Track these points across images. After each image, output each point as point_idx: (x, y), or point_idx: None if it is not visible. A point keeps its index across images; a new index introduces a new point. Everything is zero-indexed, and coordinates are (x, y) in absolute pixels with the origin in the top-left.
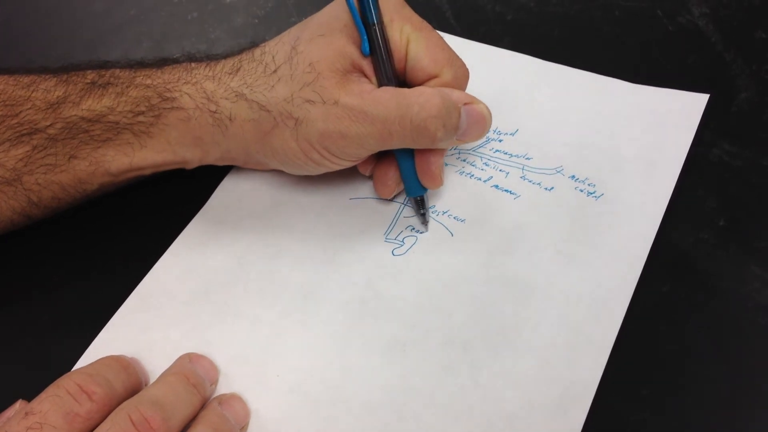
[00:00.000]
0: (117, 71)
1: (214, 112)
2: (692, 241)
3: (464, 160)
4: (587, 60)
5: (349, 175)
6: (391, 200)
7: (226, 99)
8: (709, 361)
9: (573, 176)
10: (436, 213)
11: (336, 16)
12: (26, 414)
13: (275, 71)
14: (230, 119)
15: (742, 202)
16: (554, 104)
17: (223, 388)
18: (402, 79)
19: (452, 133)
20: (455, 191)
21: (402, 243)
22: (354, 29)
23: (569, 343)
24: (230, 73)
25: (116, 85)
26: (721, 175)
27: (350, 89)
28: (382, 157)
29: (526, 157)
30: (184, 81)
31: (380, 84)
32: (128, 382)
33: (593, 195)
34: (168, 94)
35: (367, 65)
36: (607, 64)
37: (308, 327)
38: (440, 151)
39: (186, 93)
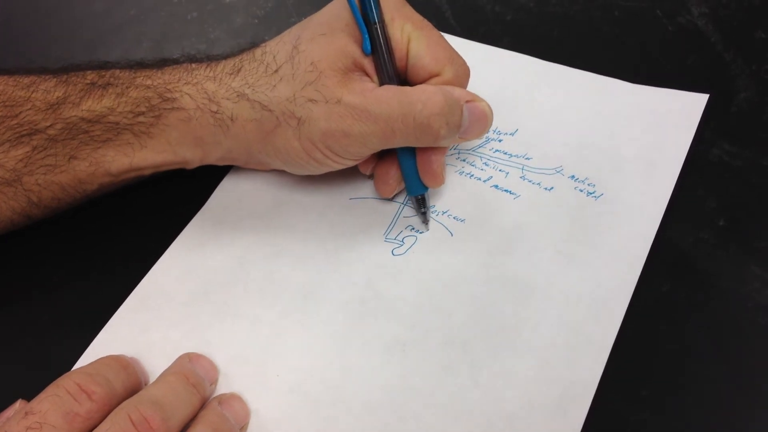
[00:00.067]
0: (117, 72)
1: (216, 113)
2: (692, 241)
3: (464, 160)
4: (587, 60)
5: (349, 174)
6: (391, 200)
7: (228, 99)
8: (709, 361)
9: (573, 176)
10: (436, 213)
11: (337, 15)
12: (26, 414)
13: (277, 71)
14: (232, 119)
15: (742, 202)
16: (554, 104)
17: (222, 388)
18: (403, 78)
19: (455, 131)
20: (455, 191)
21: (402, 243)
22: (355, 28)
23: (569, 343)
24: (231, 74)
25: (116, 86)
26: (721, 175)
27: (352, 88)
28: (383, 156)
29: (525, 157)
30: (184, 81)
31: (382, 83)
32: (128, 381)
33: (593, 195)
34: (168, 95)
35: (368, 64)
36: (607, 64)
37: (308, 327)
38: (442, 150)
39: (186, 93)
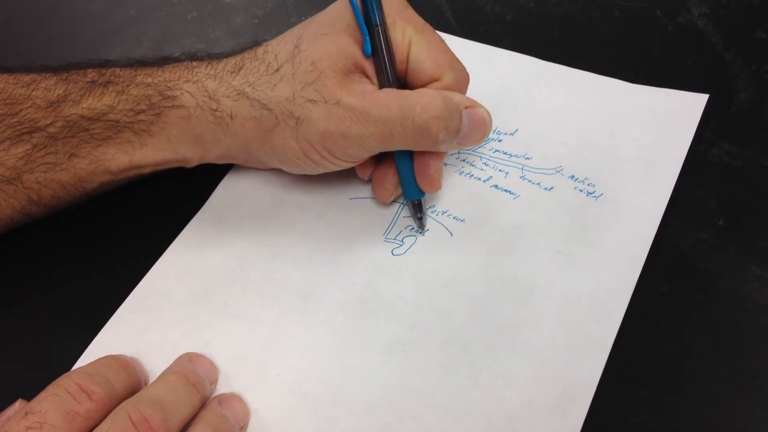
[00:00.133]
0: (118, 70)
1: (215, 110)
2: (692, 241)
3: (464, 160)
4: (587, 60)
5: (348, 175)
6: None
7: (228, 97)
8: (709, 361)
9: (573, 176)
10: (436, 213)
11: (339, 15)
12: (26, 413)
13: (277, 70)
14: (231, 117)
15: (741, 202)
16: (554, 104)
17: (222, 388)
18: (403, 81)
19: (453, 136)
20: (455, 191)
21: (401, 243)
22: (357, 29)
23: (569, 343)
24: (232, 72)
25: (117, 84)
26: (721, 175)
27: (352, 89)
28: (381, 160)
29: (525, 157)
30: (185, 79)
31: (381, 85)
32: (128, 381)
33: (593, 195)
34: (169, 93)
35: (368, 66)
36: (607, 64)
37: (308, 327)
38: (439, 155)
39: (187, 91)
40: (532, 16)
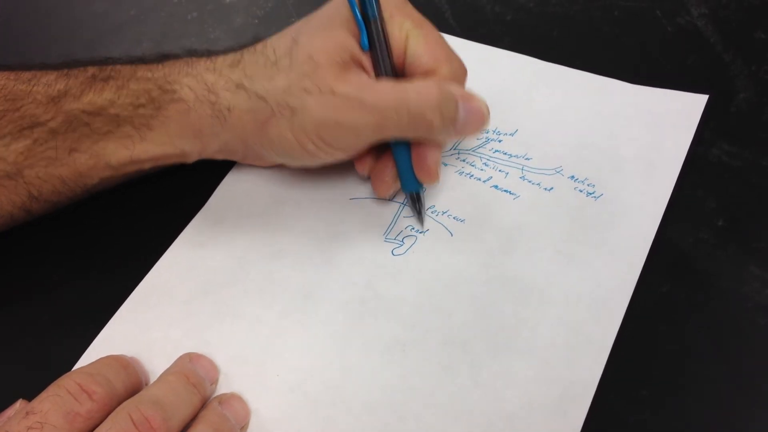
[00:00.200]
0: (118, 66)
1: (214, 103)
2: (692, 241)
3: (464, 160)
4: (587, 60)
5: (349, 175)
6: (391, 200)
7: (226, 90)
8: (709, 361)
9: (572, 176)
10: (436, 213)
11: (337, 10)
12: (27, 413)
13: (275, 63)
14: (229, 110)
15: (741, 202)
16: (553, 104)
17: (223, 388)
18: (400, 75)
19: (449, 124)
20: (455, 191)
21: (402, 243)
22: (354, 24)
23: (569, 343)
24: (231, 66)
25: (117, 79)
26: (720, 175)
27: (348, 79)
28: (380, 156)
29: (525, 157)
30: (185, 73)
31: (378, 78)
32: (128, 381)
33: (593, 195)
34: (168, 87)
35: (366, 60)
36: (607, 65)
37: (308, 327)
38: (437, 146)
39: (187, 85)
40: (532, 17)
